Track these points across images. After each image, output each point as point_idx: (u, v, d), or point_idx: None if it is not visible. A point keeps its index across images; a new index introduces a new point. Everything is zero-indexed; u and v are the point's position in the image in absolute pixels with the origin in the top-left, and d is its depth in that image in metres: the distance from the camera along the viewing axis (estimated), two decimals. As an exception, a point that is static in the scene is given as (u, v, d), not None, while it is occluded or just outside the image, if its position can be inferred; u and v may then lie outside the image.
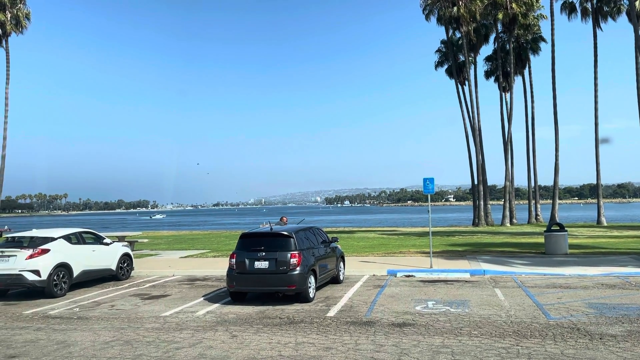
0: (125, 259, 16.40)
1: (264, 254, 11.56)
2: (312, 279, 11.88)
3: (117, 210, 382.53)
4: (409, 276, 15.20)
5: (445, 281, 14.20)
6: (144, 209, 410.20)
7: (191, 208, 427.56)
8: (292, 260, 11.41)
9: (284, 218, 17.12)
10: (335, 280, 14.08)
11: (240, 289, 11.76)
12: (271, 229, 12.41)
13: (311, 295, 11.74)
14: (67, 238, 14.37)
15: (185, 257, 21.77)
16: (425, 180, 16.89)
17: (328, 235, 14.52)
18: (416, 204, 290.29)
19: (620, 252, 19.42)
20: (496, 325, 8.99)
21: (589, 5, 42.44)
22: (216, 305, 11.65)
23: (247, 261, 11.59)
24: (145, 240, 26.47)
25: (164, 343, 8.42)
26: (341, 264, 14.59)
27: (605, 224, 40.75)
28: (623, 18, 41.13)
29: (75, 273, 14.06)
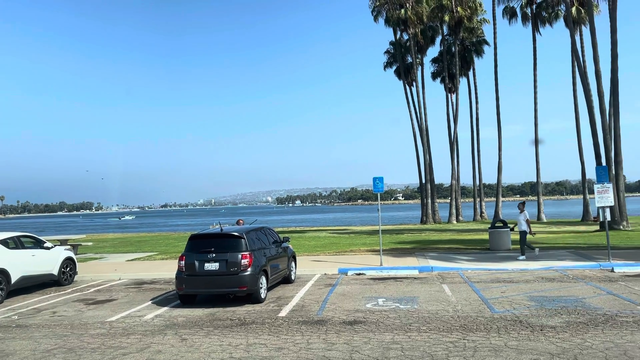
0: (68, 263, 15.76)
1: (214, 255, 11.40)
2: (263, 280, 11.81)
3: (59, 213, 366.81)
4: (359, 274, 15.37)
5: (394, 278, 14.46)
6: (87, 211, 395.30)
7: (137, 210, 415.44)
8: (243, 261, 11.30)
9: (241, 220, 16.95)
10: (287, 280, 14.06)
11: (190, 291, 11.54)
12: (221, 230, 12.25)
13: (262, 295, 11.67)
14: (4, 242, 13.65)
15: (132, 260, 21.15)
16: (375, 179, 17.12)
17: (279, 235, 14.48)
18: (366, 202, 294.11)
19: (559, 246, 20.37)
20: (444, 320, 9.23)
21: (528, 11, 44.30)
22: (165, 308, 11.38)
23: (196, 263, 11.38)
24: (90, 244, 25.52)
25: (110, 349, 8.15)
26: (293, 263, 14.58)
27: (544, 220, 42.66)
28: (561, 23, 43.20)
29: (14, 279, 13.38)
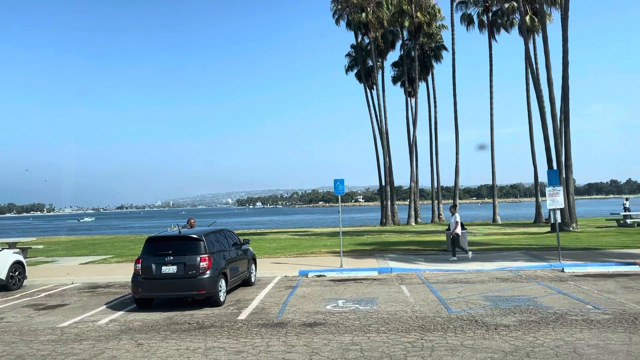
0: (17, 267, 15.13)
1: (172, 258, 11.18)
2: (222, 283, 11.67)
3: (8, 215, 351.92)
4: (320, 276, 15.40)
5: (355, 280, 14.55)
6: (39, 213, 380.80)
7: (92, 211, 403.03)
8: (202, 264, 11.14)
9: (191, 220, 16.70)
10: (247, 282, 13.95)
11: (147, 295, 11.28)
12: (179, 232, 12.04)
13: (222, 298, 11.53)
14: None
15: (86, 263, 20.52)
16: (336, 181, 17.20)
17: (239, 237, 14.35)
18: (327, 204, 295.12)
19: (513, 247, 20.99)
20: (402, 320, 9.35)
21: (485, 18, 45.52)
22: (120, 313, 11.09)
23: (153, 266, 11.15)
24: (41, 247, 24.60)
25: (62, 356, 7.87)
26: (253, 266, 14.48)
27: (499, 222, 43.87)
28: (516, 31, 44.59)
29: (-42, 284, 12.74)
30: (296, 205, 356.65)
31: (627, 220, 31.17)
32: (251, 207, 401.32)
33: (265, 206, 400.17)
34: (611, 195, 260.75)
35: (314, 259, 18.89)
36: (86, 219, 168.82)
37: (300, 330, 8.86)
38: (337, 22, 46.68)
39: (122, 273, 16.46)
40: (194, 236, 11.58)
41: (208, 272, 11.15)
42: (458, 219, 17.91)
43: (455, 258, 17.36)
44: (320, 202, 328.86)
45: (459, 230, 17.81)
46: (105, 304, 12.13)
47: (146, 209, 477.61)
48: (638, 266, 14.79)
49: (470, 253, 17.89)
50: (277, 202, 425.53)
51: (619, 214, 33.06)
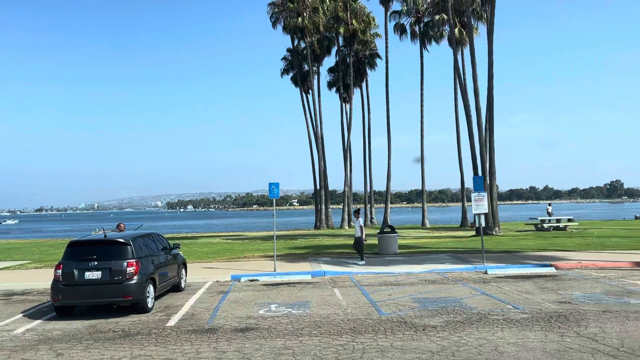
0: None
1: (96, 263, 10.68)
2: (150, 288, 11.28)
3: None
4: (253, 280, 15.25)
5: (288, 284, 14.53)
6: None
7: (8, 214, 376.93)
8: (128, 269, 10.72)
9: (121, 225, 16.05)
10: (177, 288, 13.57)
11: (68, 302, 10.70)
12: (105, 236, 11.53)
13: (150, 305, 11.14)
14: None
15: (1, 269, 19.18)
16: (270, 185, 17.13)
17: (169, 241, 13.95)
18: (262, 208, 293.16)
19: (440, 250, 21.76)
20: (334, 323, 9.43)
21: (417, 29, 47.09)
22: (38, 321, 10.44)
23: (76, 272, 10.60)
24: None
25: (-30, 370, 7.30)
26: (183, 271, 14.11)
27: (428, 226, 45.40)
28: (446, 42, 46.42)
29: None
30: (229, 209, 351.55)
31: (544, 225, 33.17)
32: (182, 210, 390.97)
33: (197, 209, 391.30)
34: (530, 201, 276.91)
35: (247, 264, 18.69)
36: (9, 222, 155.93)
37: (231, 336, 8.73)
38: (274, 25, 46.68)
39: (41, 279, 15.51)
40: (121, 240, 11.13)
41: (135, 277, 10.74)
42: (362, 224, 18.24)
43: (363, 262, 17.56)
44: (254, 206, 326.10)
45: (363, 234, 18.13)
46: (21, 312, 11.39)
47: (68, 212, 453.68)
48: (554, 268, 15.77)
49: (363, 262, 17.61)
50: (209, 206, 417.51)
51: (537, 218, 35.12)
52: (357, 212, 18.93)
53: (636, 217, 53.57)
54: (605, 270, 15.22)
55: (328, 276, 15.68)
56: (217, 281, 15.33)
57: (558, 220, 33.82)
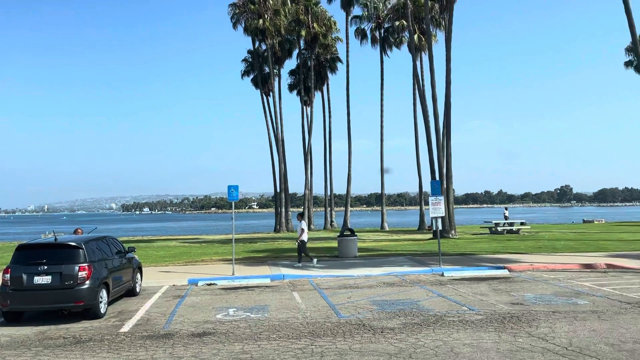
0: None
1: (46, 267, 10.28)
2: (104, 293, 10.95)
3: None
4: (210, 284, 15.03)
5: (246, 287, 14.40)
6: None
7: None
8: (80, 273, 10.37)
9: (79, 230, 15.51)
10: (132, 292, 13.22)
11: (16, 307, 10.27)
12: (56, 239, 11.13)
13: (102, 310, 10.81)
14: None
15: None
16: (229, 187, 16.95)
17: (124, 244, 13.59)
18: (220, 211, 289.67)
19: (399, 253, 22.05)
20: (293, 327, 9.40)
21: (377, 34, 47.70)
22: (-17, 329, 9.96)
23: (24, 276, 10.18)
24: None
25: None
26: (138, 275, 13.76)
27: (387, 229, 45.95)
28: (406, 48, 47.21)
29: None
30: (187, 212, 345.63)
31: (498, 228, 34.14)
32: (138, 212, 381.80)
33: (154, 212, 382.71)
34: (485, 205, 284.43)
35: (204, 267, 18.41)
36: None
37: (188, 341, 8.56)
38: (234, 26, 46.24)
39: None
40: (72, 244, 10.76)
41: (87, 282, 10.40)
42: (304, 227, 18.31)
43: (300, 264, 17.66)
44: (212, 209, 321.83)
45: (305, 237, 18.20)
46: (-36, 320, 10.84)
47: (17, 214, 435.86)
48: (507, 270, 16.23)
49: (315, 260, 17.96)
50: (166, 208, 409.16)
51: (492, 222, 36.12)
52: (300, 215, 18.96)
53: (584, 221, 55.84)
54: (555, 272, 15.78)
55: (287, 280, 15.63)
56: (174, 285, 15.03)
57: (511, 224, 34.86)
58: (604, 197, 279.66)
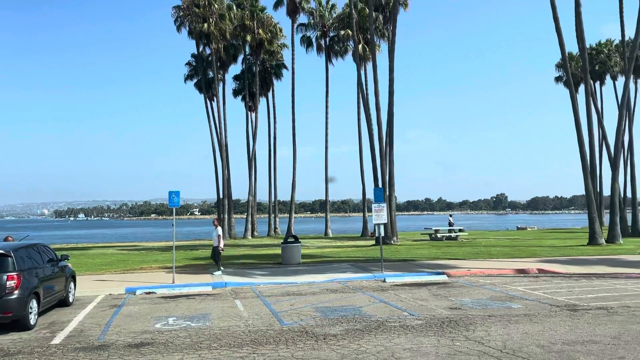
0: None
1: (-30, 277, 9.63)
2: (34, 304, 10.38)
3: None
4: (149, 293, 14.58)
5: (187, 296, 14.06)
6: None
7: None
8: (8, 282, 9.78)
9: (10, 237, 14.61)
10: (64, 302, 12.61)
11: None
12: (-19, 246, 10.45)
13: (32, 321, 10.23)
14: None
15: None
16: (170, 193, 16.54)
17: (57, 252, 12.95)
18: (160, 217, 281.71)
19: (342, 260, 22.24)
20: (235, 335, 9.26)
21: (323, 42, 48.15)
22: None
23: (-55, 287, 9.48)
24: None
25: None
26: (72, 284, 13.15)
27: (331, 235, 46.23)
28: (350, 57, 47.90)
29: None
30: (125, 218, 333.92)
31: (437, 235, 35.13)
32: (72, 219, 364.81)
33: (89, 218, 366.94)
34: (425, 212, 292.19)
35: (143, 275, 17.84)
36: None
37: (124, 352, 8.25)
38: (178, 29, 45.32)
39: None
40: (0, 251, 10.14)
41: (16, 292, 9.83)
42: (220, 233, 18.01)
43: (220, 272, 17.35)
44: (152, 215, 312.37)
45: (221, 244, 17.87)
46: None
47: None
48: (446, 275, 16.71)
49: (219, 272, 17.40)
50: (103, 214, 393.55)
51: (432, 228, 37.14)
52: (216, 220, 18.53)
53: (518, 228, 58.44)
54: (491, 277, 16.40)
55: (229, 287, 15.40)
56: (110, 294, 14.47)
57: (450, 231, 35.98)
58: (536, 205, 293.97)
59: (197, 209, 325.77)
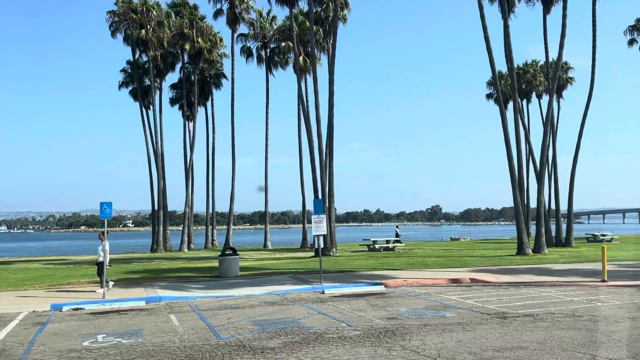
0: None
1: None
2: (-54, 323, 9.57)
3: None
4: (77, 309, 13.85)
5: (118, 311, 13.47)
6: None
7: None
8: None
9: None
10: (-19, 321, 11.72)
11: None
12: None
13: (-56, 343, 9.42)
14: None
15: None
16: (102, 204, 15.85)
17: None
18: (91, 229, 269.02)
19: (281, 272, 22.10)
20: (169, 351, 8.95)
21: (263, 53, 48.15)
22: None
23: None
24: None
25: None
26: (-9, 301, 12.24)
27: (270, 247, 45.93)
28: (291, 68, 48.10)
29: None
30: (52, 230, 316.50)
31: (375, 245, 35.71)
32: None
33: (12, 231, 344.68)
34: (364, 223, 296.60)
35: (71, 291, 16.94)
36: None
37: (48, 373, 7.76)
38: (113, 34, 43.88)
39: None
40: None
41: None
42: (107, 248, 16.53)
43: (103, 290, 15.68)
44: (82, 227, 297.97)
45: (107, 259, 16.33)
46: None
47: None
48: (383, 286, 16.98)
49: (105, 288, 15.82)
50: (27, 226, 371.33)
51: (370, 239, 37.71)
52: (102, 234, 16.76)
53: (452, 239, 60.45)
54: (426, 287, 16.82)
55: (164, 302, 14.90)
56: (34, 311, 13.62)
57: (387, 241, 36.68)
58: (468, 216, 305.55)
59: (131, 221, 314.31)
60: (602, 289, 15.81)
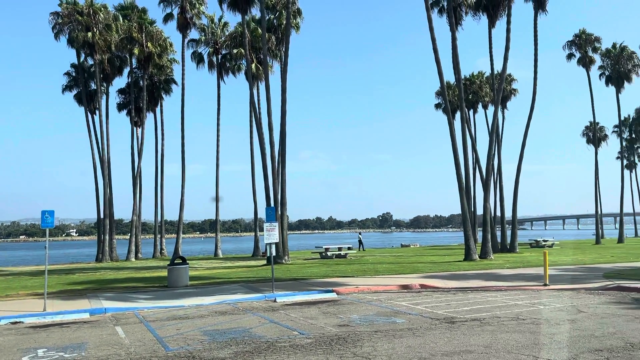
0: None
1: None
2: None
3: None
4: (16, 323, 13.16)
5: (60, 324, 12.89)
6: None
7: None
8: None
9: None
10: None
11: None
12: None
13: None
14: None
15: None
16: (43, 212, 15.17)
17: None
18: (31, 239, 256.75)
19: (232, 281, 21.79)
20: (115, 365, 8.62)
21: (215, 59, 47.63)
22: None
23: None
24: None
25: None
26: None
27: (221, 256, 45.24)
28: (243, 75, 47.80)
29: None
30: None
31: (327, 253, 35.84)
32: None
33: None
34: (316, 231, 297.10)
35: (8, 304, 16.09)
36: None
37: (-18, 392, 7.32)
38: (56, 36, 42.29)
39: None
40: None
41: None
42: None
43: None
44: (21, 237, 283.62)
45: None
46: None
47: None
48: (335, 293, 17.03)
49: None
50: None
51: (322, 247, 37.83)
52: None
53: (402, 245, 61.46)
54: (377, 294, 17.00)
55: (110, 313, 14.38)
56: (-33, 327, 12.82)
57: (340, 249, 36.91)
58: (418, 223, 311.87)
59: (75, 230, 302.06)
60: (544, 292, 16.47)
